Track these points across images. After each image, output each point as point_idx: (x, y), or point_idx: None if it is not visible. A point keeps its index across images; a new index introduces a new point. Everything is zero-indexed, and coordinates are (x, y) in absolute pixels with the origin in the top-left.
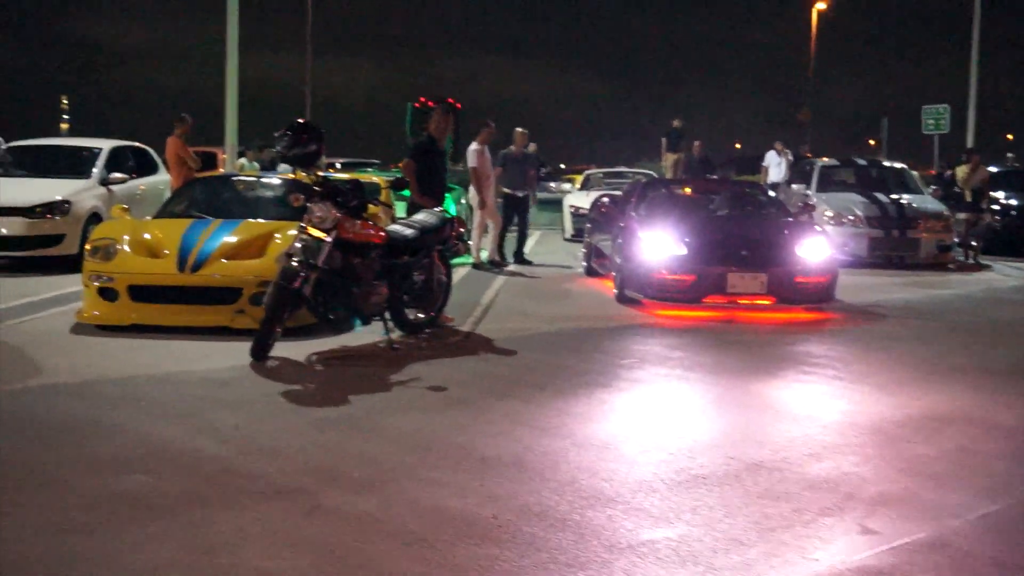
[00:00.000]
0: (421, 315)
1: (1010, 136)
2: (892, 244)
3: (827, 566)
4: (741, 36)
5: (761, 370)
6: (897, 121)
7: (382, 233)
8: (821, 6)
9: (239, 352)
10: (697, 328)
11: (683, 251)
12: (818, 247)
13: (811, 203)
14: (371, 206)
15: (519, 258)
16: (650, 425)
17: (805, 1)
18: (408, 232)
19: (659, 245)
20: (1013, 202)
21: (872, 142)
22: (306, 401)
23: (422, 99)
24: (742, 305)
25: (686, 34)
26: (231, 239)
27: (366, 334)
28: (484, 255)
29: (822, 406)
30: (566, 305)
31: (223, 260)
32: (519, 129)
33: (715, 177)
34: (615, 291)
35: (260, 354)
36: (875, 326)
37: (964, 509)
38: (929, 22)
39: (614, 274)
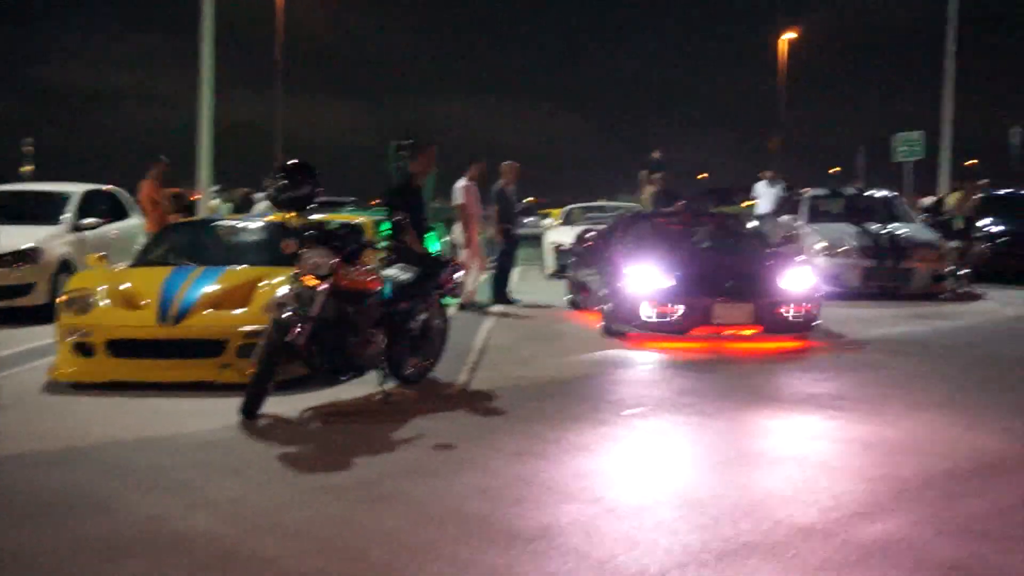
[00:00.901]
0: (419, 364)
1: (975, 160)
2: (886, 274)
3: None
4: (714, 72)
5: (782, 415)
6: (871, 150)
7: (378, 280)
8: (791, 35)
9: (228, 410)
10: (696, 364)
11: (669, 283)
12: (801, 277)
13: (793, 234)
14: (371, 252)
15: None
16: (680, 483)
17: (776, 33)
18: (406, 277)
19: (645, 278)
20: (1000, 228)
21: (834, 169)
22: (307, 465)
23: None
24: (728, 335)
25: (660, 71)
26: (214, 288)
27: (359, 385)
28: (482, 296)
29: (859, 457)
30: (559, 345)
31: (207, 310)
32: (508, 162)
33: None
34: (601, 324)
35: (252, 412)
36: (886, 360)
37: None
38: (900, 53)
39: (600, 308)
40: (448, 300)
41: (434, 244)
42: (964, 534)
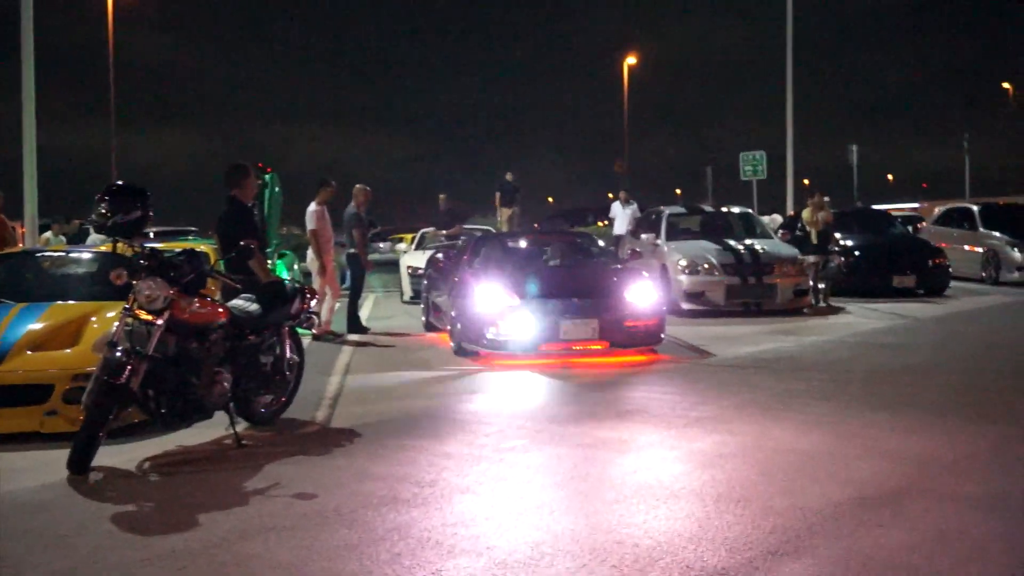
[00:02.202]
0: (272, 403)
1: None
2: (748, 291)
3: None
4: (559, 95)
5: (669, 442)
6: (719, 167)
7: (223, 311)
8: (631, 61)
9: (54, 464)
10: (560, 386)
11: (516, 302)
12: (645, 291)
13: (638, 250)
14: (212, 281)
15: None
16: (576, 527)
17: (618, 58)
18: (254, 308)
19: (493, 297)
20: (851, 243)
21: (678, 191)
22: (148, 527)
23: (260, 164)
24: (578, 351)
25: (504, 97)
26: (37, 326)
27: (205, 429)
28: (338, 326)
29: (759, 486)
30: (421, 371)
31: (29, 352)
32: (360, 186)
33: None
34: (452, 344)
35: (81, 466)
36: (762, 379)
37: None
38: (742, 76)
39: (450, 328)
40: (301, 331)
41: (283, 272)
42: (889, 572)
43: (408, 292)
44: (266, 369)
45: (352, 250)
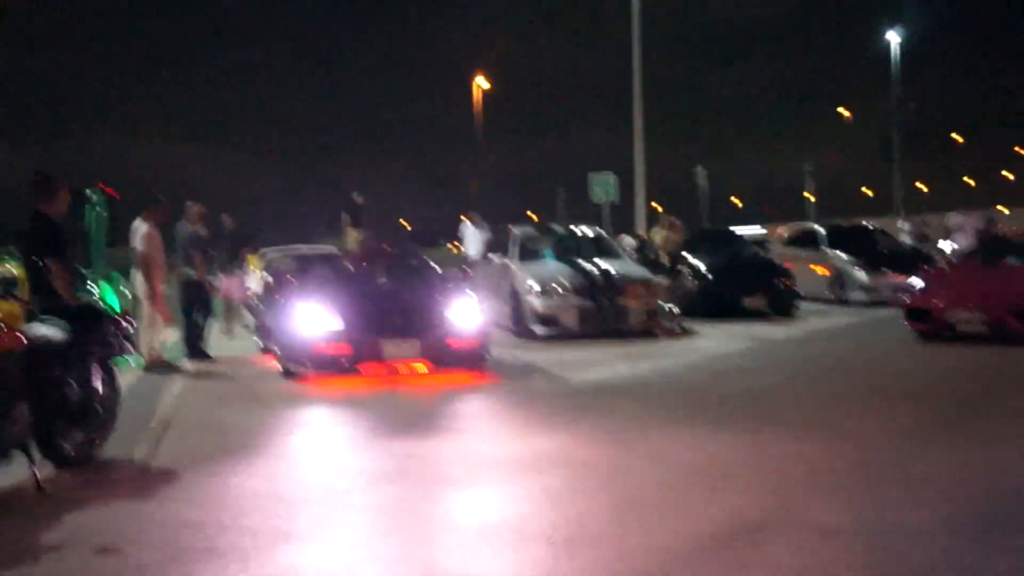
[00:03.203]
0: (82, 441)
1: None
2: (602, 313)
3: None
4: (405, 113)
5: (510, 477)
6: (572, 188)
7: (20, 337)
8: (482, 83)
9: None
10: (399, 417)
11: (338, 323)
12: (467, 311)
13: (467, 269)
14: (4, 303)
15: (196, 351)
16: (403, 570)
17: (466, 77)
18: (58, 334)
19: (314, 317)
20: (701, 264)
21: (530, 214)
22: None
23: (100, 184)
24: (400, 372)
25: (350, 111)
26: None
27: (4, 474)
28: (171, 353)
29: (612, 524)
30: (256, 401)
31: None
32: (192, 204)
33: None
34: (280, 366)
35: None
36: (616, 404)
37: None
38: (591, 93)
39: (276, 350)
40: (123, 361)
41: (111, 296)
42: None
43: (248, 317)
44: (72, 403)
45: (191, 273)
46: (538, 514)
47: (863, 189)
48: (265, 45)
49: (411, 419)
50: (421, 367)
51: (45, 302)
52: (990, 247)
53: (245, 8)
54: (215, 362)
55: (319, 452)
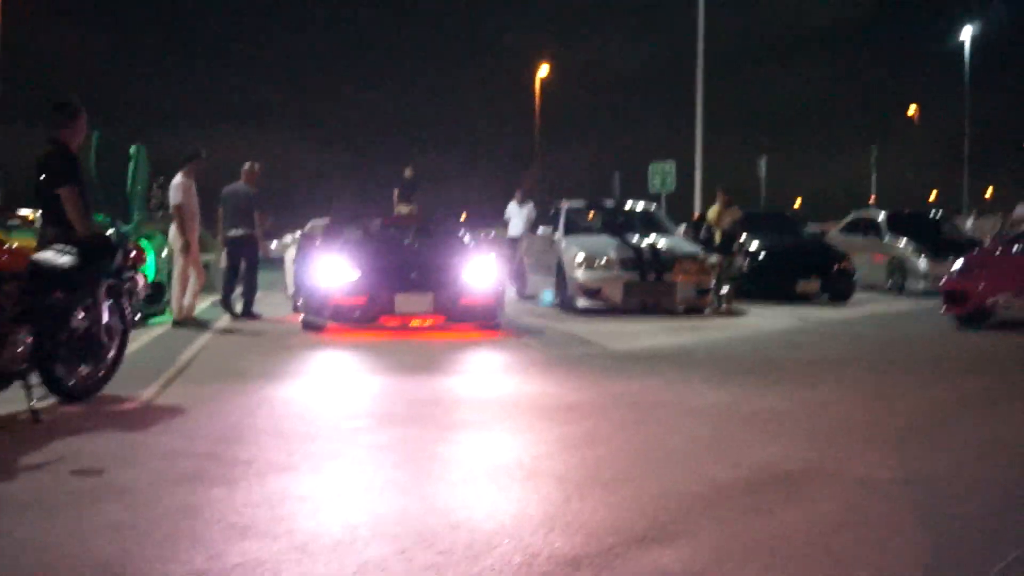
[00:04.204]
0: (87, 374)
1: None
2: (648, 288)
3: None
4: (469, 104)
5: (529, 423)
6: (629, 179)
7: (20, 257)
8: (544, 72)
9: None
10: (411, 363)
11: (355, 275)
12: (484, 270)
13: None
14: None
15: (247, 311)
16: (408, 511)
17: (531, 70)
18: (63, 260)
19: (333, 271)
20: (756, 245)
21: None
22: None
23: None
24: (415, 326)
25: (421, 109)
26: None
27: (3, 402)
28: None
29: (632, 469)
30: (274, 351)
31: None
32: (249, 164)
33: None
34: (300, 319)
35: None
36: (654, 366)
37: None
38: (652, 85)
39: (297, 303)
40: (157, 319)
41: (151, 255)
42: (771, 561)
43: (291, 287)
44: (78, 334)
45: (243, 231)
46: (552, 457)
47: (932, 193)
48: (334, 35)
49: (425, 367)
50: (434, 321)
51: (57, 233)
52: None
53: None
54: (260, 318)
55: (329, 394)
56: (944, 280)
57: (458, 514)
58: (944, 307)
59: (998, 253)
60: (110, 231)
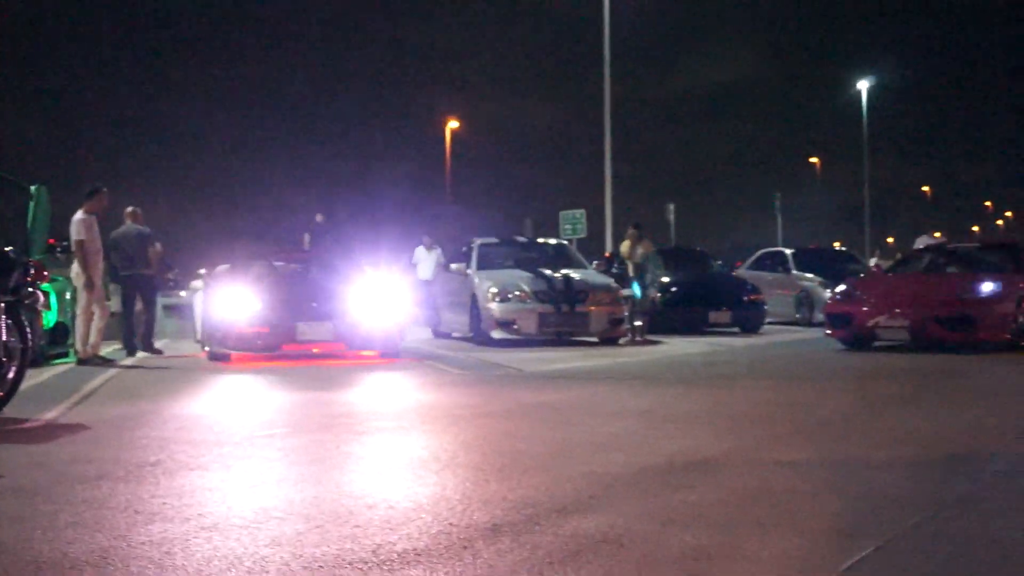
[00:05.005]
0: None
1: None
2: (562, 319)
3: None
4: (388, 160)
5: (453, 427)
6: (540, 228)
7: None
8: (454, 125)
9: None
10: (313, 384)
11: (258, 305)
12: (385, 297)
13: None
14: None
15: (147, 345)
16: (321, 495)
17: (439, 125)
18: None
19: (236, 302)
20: (668, 279)
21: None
22: None
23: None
24: (317, 354)
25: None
26: None
27: None
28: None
29: (555, 458)
30: (181, 379)
31: None
32: (130, 208)
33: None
34: (205, 349)
35: None
36: (567, 383)
37: (826, 559)
38: (561, 141)
39: (201, 336)
40: (61, 360)
41: (52, 298)
42: (692, 525)
43: (200, 331)
44: None
45: (137, 270)
46: (470, 450)
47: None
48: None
49: (336, 386)
50: (335, 349)
51: None
52: (914, 255)
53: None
54: (162, 354)
55: (239, 409)
56: (828, 303)
57: (374, 497)
58: (829, 330)
59: (880, 278)
60: (8, 247)
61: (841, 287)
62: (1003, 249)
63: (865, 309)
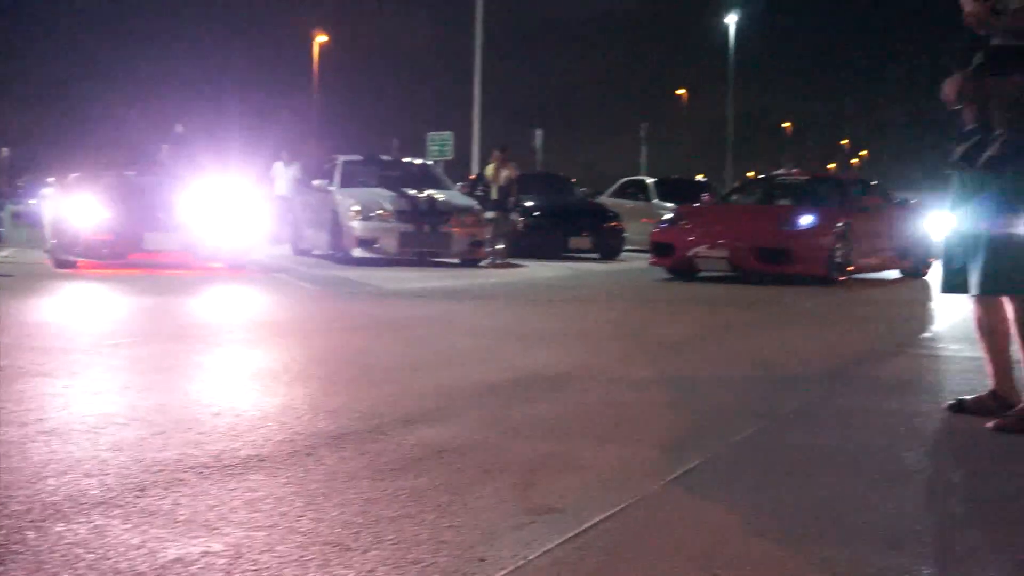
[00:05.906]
0: None
1: None
2: (423, 239)
3: (502, 569)
4: (250, 75)
5: (298, 344)
6: (407, 149)
7: None
8: (322, 39)
9: None
10: (175, 293)
11: (106, 213)
12: (234, 209)
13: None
14: None
15: None
16: (170, 404)
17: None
18: None
19: (84, 209)
20: (530, 204)
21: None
22: None
23: None
24: (165, 263)
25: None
26: None
27: None
28: None
29: (399, 374)
30: (23, 287)
31: None
32: None
33: None
34: (52, 260)
35: None
36: (420, 302)
37: (656, 468)
38: (432, 62)
39: (48, 244)
40: None
41: None
42: (532, 435)
43: (50, 239)
44: None
45: None
46: (320, 363)
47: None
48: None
49: (185, 295)
50: (184, 258)
51: None
52: (748, 186)
53: None
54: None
55: (85, 317)
56: (653, 231)
57: (220, 406)
58: (654, 258)
59: (707, 208)
60: None
61: (667, 215)
62: (830, 183)
63: (689, 239)
